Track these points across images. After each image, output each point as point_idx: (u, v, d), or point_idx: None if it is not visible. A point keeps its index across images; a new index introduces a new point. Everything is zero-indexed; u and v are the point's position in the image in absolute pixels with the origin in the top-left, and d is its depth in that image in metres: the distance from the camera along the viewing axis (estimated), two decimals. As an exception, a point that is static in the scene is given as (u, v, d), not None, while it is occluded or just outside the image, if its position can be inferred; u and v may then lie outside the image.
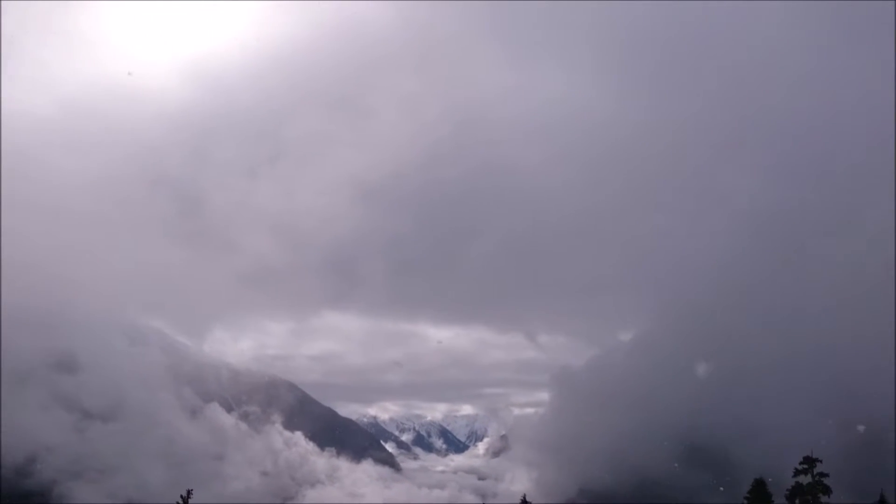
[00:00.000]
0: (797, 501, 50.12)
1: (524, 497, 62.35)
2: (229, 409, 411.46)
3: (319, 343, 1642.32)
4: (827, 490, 49.55)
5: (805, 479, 49.98)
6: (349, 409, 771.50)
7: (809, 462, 50.15)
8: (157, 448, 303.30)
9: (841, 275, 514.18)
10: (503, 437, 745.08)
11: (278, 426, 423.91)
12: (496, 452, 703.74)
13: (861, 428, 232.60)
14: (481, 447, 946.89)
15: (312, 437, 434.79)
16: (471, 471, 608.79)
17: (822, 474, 49.88)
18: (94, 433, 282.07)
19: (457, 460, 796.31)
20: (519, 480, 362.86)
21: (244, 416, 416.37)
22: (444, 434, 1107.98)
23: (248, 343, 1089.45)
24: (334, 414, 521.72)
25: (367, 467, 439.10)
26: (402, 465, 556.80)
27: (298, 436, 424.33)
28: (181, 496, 59.73)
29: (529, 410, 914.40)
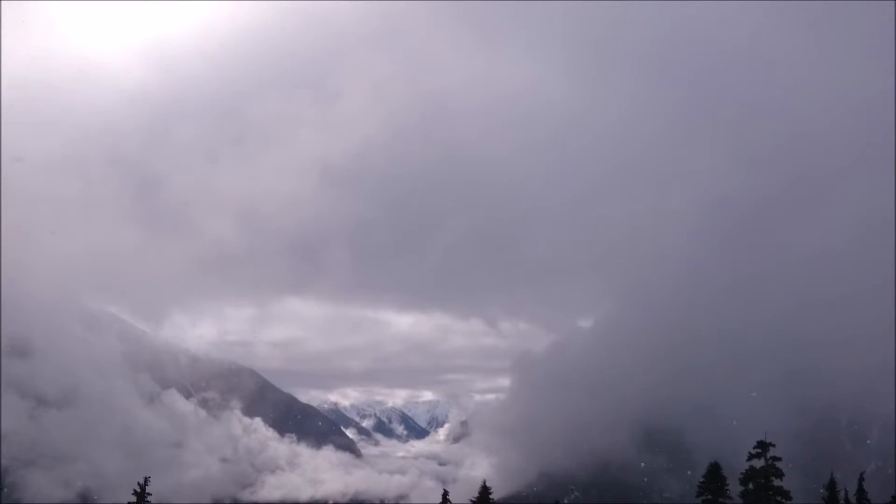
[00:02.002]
0: (750, 485, 51.05)
1: (484, 482, 62.64)
2: (188, 396, 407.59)
3: (280, 329, 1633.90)
4: (779, 473, 50.52)
5: (759, 463, 50.89)
6: (310, 396, 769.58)
7: (763, 446, 51.05)
8: (114, 435, 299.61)
9: (801, 261, 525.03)
10: (464, 423, 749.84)
11: (238, 413, 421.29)
12: (457, 438, 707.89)
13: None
14: (442, 433, 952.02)
15: (272, 423, 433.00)
16: (431, 456, 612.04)
17: (775, 458, 50.86)
18: (48, 420, 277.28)
19: (417, 446, 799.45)
20: (479, 466, 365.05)
21: (203, 403, 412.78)
22: (405, 420, 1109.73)
23: (207, 329, 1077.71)
24: (294, 400, 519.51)
25: (328, 453, 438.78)
26: (363, 451, 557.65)
27: (258, 422, 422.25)
28: (138, 484, 58.96)
29: (490, 396, 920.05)
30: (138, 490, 58.79)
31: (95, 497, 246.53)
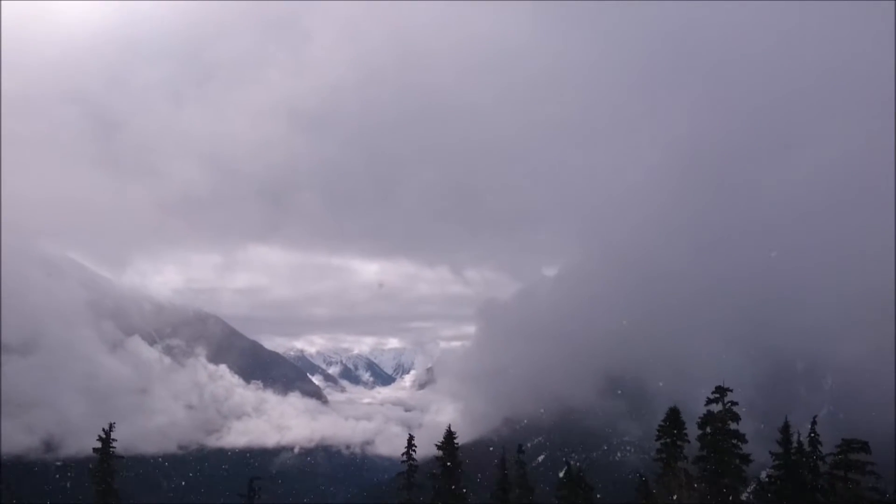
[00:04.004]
0: (708, 428, 52.45)
1: (449, 427, 63.47)
2: (152, 343, 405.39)
3: (245, 276, 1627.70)
4: (736, 417, 51.90)
5: (716, 408, 52.20)
6: (275, 343, 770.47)
7: (721, 391, 52.32)
8: (78, 382, 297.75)
9: (768, 209, 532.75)
10: (429, 370, 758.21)
11: (203, 360, 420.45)
12: (422, 385, 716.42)
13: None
14: (408, 380, 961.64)
15: (238, 370, 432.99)
16: (397, 403, 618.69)
17: (733, 403, 52.22)
18: (11, 367, 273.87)
19: (383, 393, 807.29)
20: (445, 411, 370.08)
21: (168, 350, 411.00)
22: (371, 367, 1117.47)
23: (171, 275, 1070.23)
24: (260, 347, 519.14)
25: (294, 400, 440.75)
26: (329, 397, 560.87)
27: (223, 369, 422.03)
28: (103, 430, 58.89)
29: (456, 344, 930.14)
30: (103, 436, 58.76)
31: (59, 443, 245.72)
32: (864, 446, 48.88)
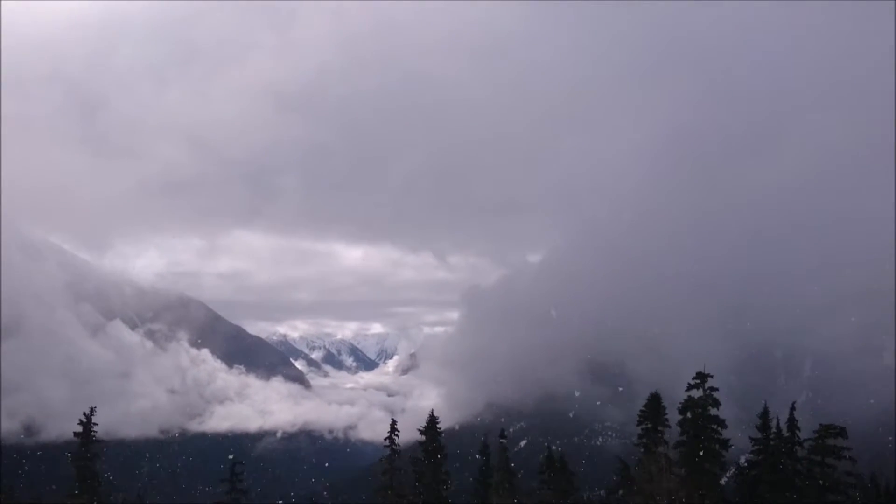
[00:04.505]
0: (688, 414, 52.89)
1: (432, 412, 63.58)
2: (133, 327, 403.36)
3: (228, 261, 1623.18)
4: (716, 403, 52.36)
5: (697, 393, 52.63)
6: (258, 328, 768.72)
7: (701, 377, 52.73)
8: (59, 366, 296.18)
9: (751, 198, 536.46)
10: (412, 355, 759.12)
11: (185, 344, 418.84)
12: (405, 370, 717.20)
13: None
14: (391, 365, 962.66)
15: (221, 355, 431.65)
16: (380, 388, 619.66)
17: (713, 388, 52.67)
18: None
19: (366, 378, 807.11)
20: (427, 396, 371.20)
21: (149, 334, 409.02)
22: (354, 352, 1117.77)
23: (153, 259, 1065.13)
24: (243, 332, 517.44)
25: (277, 385, 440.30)
26: (312, 382, 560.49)
27: (206, 353, 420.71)
28: (84, 414, 58.54)
29: (439, 329, 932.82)
30: (84, 420, 58.42)
31: (40, 427, 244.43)
32: (841, 432, 49.54)
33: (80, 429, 58.28)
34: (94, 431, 58.53)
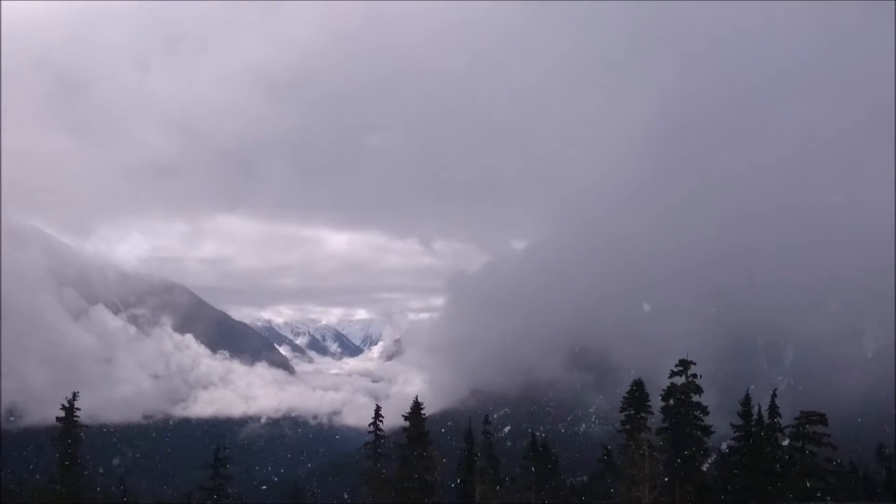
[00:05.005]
0: (671, 400, 53.37)
1: (416, 398, 63.69)
2: (116, 312, 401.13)
3: (212, 246, 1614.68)
4: (698, 390, 52.90)
5: (680, 380, 53.12)
6: (242, 313, 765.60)
7: (684, 364, 53.22)
8: (41, 350, 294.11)
9: (735, 184, 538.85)
10: (397, 342, 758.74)
11: (169, 329, 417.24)
12: (390, 356, 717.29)
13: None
14: (376, 351, 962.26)
15: (205, 340, 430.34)
16: (365, 374, 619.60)
17: (695, 375, 53.17)
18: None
19: (351, 363, 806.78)
20: (412, 382, 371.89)
21: (133, 319, 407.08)
22: (339, 338, 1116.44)
23: (136, 244, 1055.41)
24: (227, 317, 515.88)
25: (262, 370, 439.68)
26: (297, 368, 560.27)
27: (190, 339, 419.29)
28: (67, 399, 58.28)
29: (424, 315, 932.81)
30: (67, 405, 58.16)
31: (22, 412, 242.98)
32: (821, 419, 50.08)
33: (62, 414, 58.04)
34: (77, 416, 58.29)
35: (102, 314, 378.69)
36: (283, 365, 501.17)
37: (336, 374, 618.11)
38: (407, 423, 62.32)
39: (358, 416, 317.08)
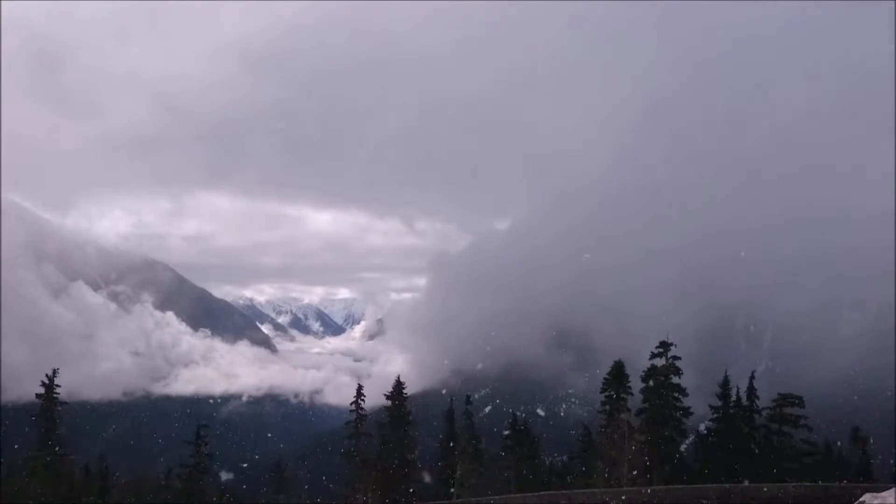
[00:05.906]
0: (651, 382, 53.85)
1: (398, 377, 63.95)
2: (97, 288, 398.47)
3: (194, 222, 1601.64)
4: (678, 371, 53.38)
5: (660, 362, 53.58)
6: (224, 291, 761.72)
7: (664, 346, 53.65)
8: (19, 326, 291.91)
9: (717, 172, 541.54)
10: (379, 321, 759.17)
11: (149, 306, 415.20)
12: (372, 335, 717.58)
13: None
14: (358, 330, 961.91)
15: (186, 318, 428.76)
16: (347, 353, 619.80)
17: (675, 357, 53.65)
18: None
19: (333, 343, 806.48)
20: (394, 362, 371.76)
21: (113, 296, 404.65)
22: (321, 317, 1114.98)
23: (116, 220, 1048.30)
24: (209, 295, 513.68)
25: (243, 348, 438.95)
26: (279, 346, 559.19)
27: (171, 316, 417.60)
28: (46, 376, 58.01)
29: (406, 295, 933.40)
30: (46, 382, 57.89)
31: (2, 388, 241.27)
32: (798, 401, 50.80)
33: (42, 390, 57.78)
34: (57, 393, 58.06)
35: (82, 291, 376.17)
36: (265, 343, 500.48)
37: (318, 353, 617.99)
38: (389, 403, 62.57)
39: (339, 395, 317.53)
